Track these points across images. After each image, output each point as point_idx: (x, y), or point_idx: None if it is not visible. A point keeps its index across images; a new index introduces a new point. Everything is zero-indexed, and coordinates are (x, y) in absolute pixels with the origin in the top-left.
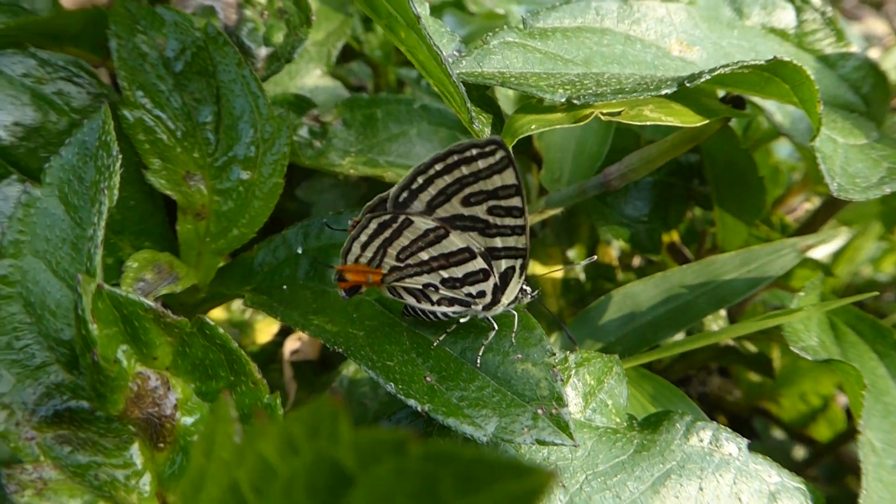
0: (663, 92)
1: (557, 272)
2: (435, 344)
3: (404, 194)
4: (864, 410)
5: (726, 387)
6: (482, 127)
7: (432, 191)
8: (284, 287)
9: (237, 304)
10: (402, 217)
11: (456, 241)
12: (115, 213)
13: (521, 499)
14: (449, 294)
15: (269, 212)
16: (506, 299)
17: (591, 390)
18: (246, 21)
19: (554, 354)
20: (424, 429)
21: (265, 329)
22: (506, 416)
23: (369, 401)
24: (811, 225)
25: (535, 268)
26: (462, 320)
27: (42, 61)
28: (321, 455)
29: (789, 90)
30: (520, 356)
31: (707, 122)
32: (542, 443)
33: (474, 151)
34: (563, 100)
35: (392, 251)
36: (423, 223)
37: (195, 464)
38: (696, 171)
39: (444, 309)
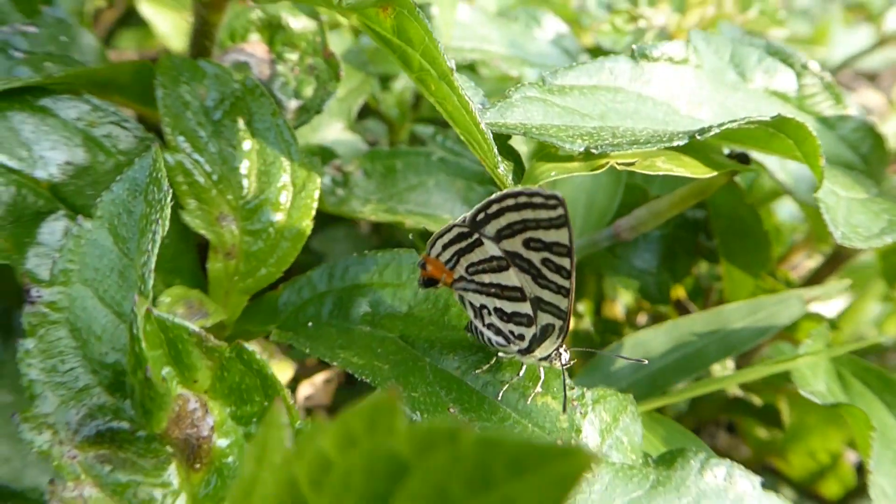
0: (675, 143)
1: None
2: (457, 377)
3: (481, 216)
4: (874, 454)
5: (734, 443)
6: (507, 172)
7: (502, 221)
8: (310, 324)
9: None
10: (476, 235)
11: (513, 276)
12: None
13: (566, 478)
14: (497, 323)
15: (297, 253)
16: (539, 353)
17: (608, 427)
18: (278, 76)
19: (573, 388)
20: None
21: (279, 375)
22: None
23: None
24: (814, 281)
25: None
26: (500, 354)
27: (94, 107)
28: (378, 446)
29: (792, 145)
30: (540, 391)
31: (714, 174)
32: None
33: (538, 200)
34: (581, 149)
35: (464, 262)
36: (491, 248)
37: (246, 471)
38: (702, 226)
39: (489, 334)
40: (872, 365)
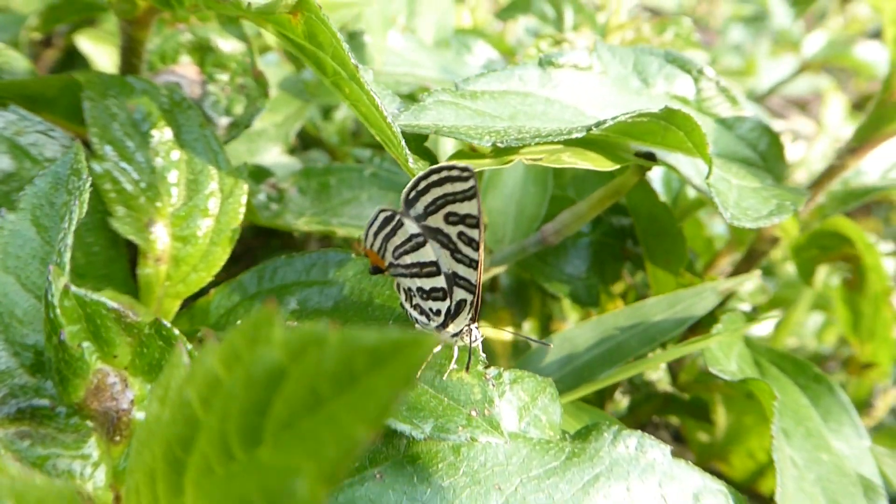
0: (574, 136)
1: (507, 335)
2: None
3: (412, 193)
4: (780, 425)
5: (680, 450)
6: (418, 168)
7: (429, 197)
8: (239, 322)
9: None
10: (397, 217)
11: (430, 251)
12: (79, 258)
13: (415, 362)
14: (419, 303)
15: (227, 256)
16: (453, 328)
17: (526, 405)
18: (209, 95)
19: (488, 366)
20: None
21: None
22: (442, 417)
23: None
24: (733, 276)
25: (485, 330)
26: (424, 330)
27: (21, 117)
28: (258, 357)
29: (684, 137)
30: (455, 367)
31: (618, 167)
32: (475, 439)
33: (455, 172)
34: (488, 145)
35: (390, 247)
36: (410, 228)
37: (149, 412)
38: (628, 233)
39: (415, 314)
40: (787, 352)
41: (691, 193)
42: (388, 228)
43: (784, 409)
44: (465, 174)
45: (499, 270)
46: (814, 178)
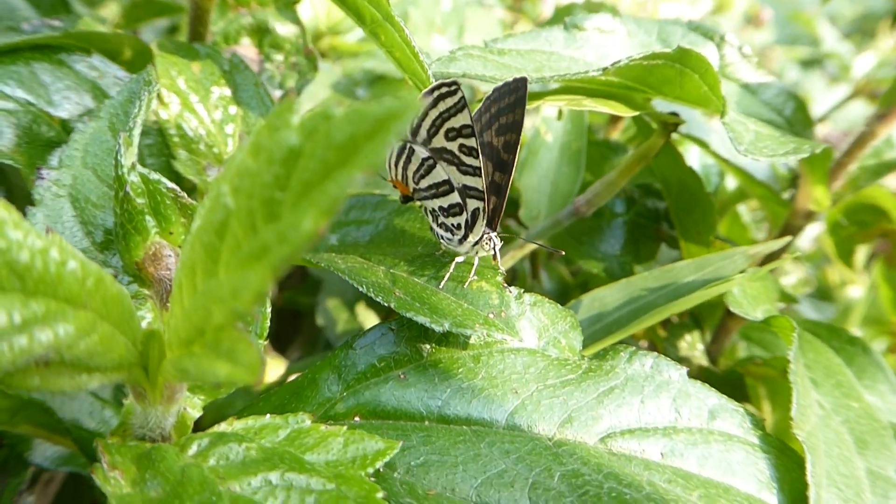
0: (591, 74)
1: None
2: (404, 276)
3: (414, 122)
4: (808, 375)
5: None
6: None
7: (428, 122)
8: None
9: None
10: (408, 145)
11: (441, 171)
12: None
13: (405, 118)
14: (443, 220)
15: None
16: (472, 238)
17: (545, 326)
18: (265, 71)
19: (504, 274)
20: (391, 346)
21: (271, 369)
22: (460, 317)
23: None
24: (769, 257)
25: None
26: (450, 246)
27: (102, 63)
28: (277, 140)
29: (700, 82)
30: (475, 278)
31: (636, 113)
32: (490, 336)
33: (444, 90)
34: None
35: (409, 174)
36: (420, 152)
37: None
38: (663, 215)
39: (441, 232)
40: (822, 321)
41: (730, 186)
42: (404, 157)
43: (814, 365)
44: (453, 88)
45: (538, 243)
46: (843, 148)
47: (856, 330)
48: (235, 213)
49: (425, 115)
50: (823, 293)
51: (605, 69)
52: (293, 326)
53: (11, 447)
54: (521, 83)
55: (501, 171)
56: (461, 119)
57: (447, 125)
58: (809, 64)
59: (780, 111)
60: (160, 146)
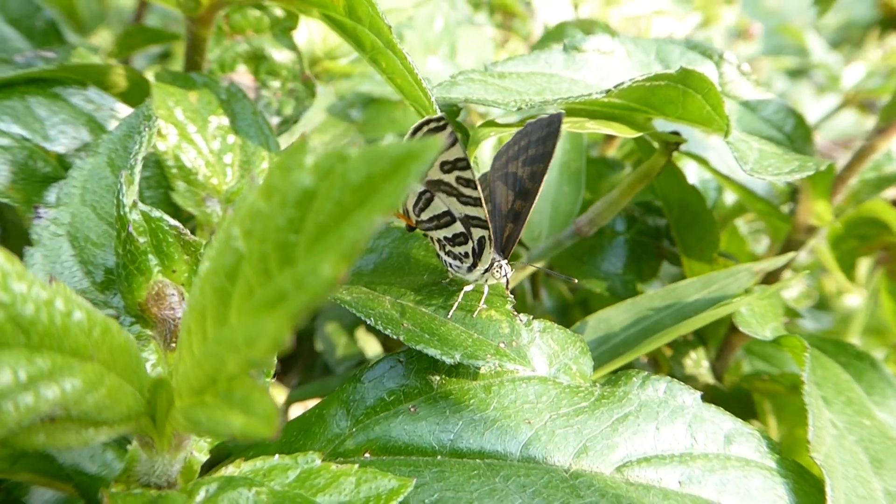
0: (594, 97)
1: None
2: (412, 306)
3: None
4: (819, 394)
5: None
6: None
7: None
8: None
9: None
10: None
11: (440, 203)
12: None
13: (425, 159)
14: (451, 250)
15: None
16: (482, 266)
17: (555, 353)
18: (262, 98)
19: (514, 302)
20: (400, 379)
21: (273, 398)
22: (471, 347)
23: None
24: (771, 274)
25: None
26: (458, 274)
27: (98, 96)
28: (291, 182)
29: (703, 102)
30: (484, 307)
31: (639, 134)
32: (503, 367)
33: (433, 125)
34: (515, 109)
35: (409, 207)
36: (417, 187)
37: (200, 269)
38: (664, 232)
39: (450, 261)
40: (828, 335)
41: (728, 200)
42: None
43: (824, 382)
44: (442, 123)
45: (537, 267)
46: (845, 162)
47: (856, 340)
48: (247, 257)
49: None
50: (820, 303)
51: (608, 91)
52: (291, 350)
53: (9, 491)
54: (556, 119)
55: (523, 200)
56: (454, 152)
57: (441, 158)
58: (796, 74)
59: (781, 127)
60: (158, 178)
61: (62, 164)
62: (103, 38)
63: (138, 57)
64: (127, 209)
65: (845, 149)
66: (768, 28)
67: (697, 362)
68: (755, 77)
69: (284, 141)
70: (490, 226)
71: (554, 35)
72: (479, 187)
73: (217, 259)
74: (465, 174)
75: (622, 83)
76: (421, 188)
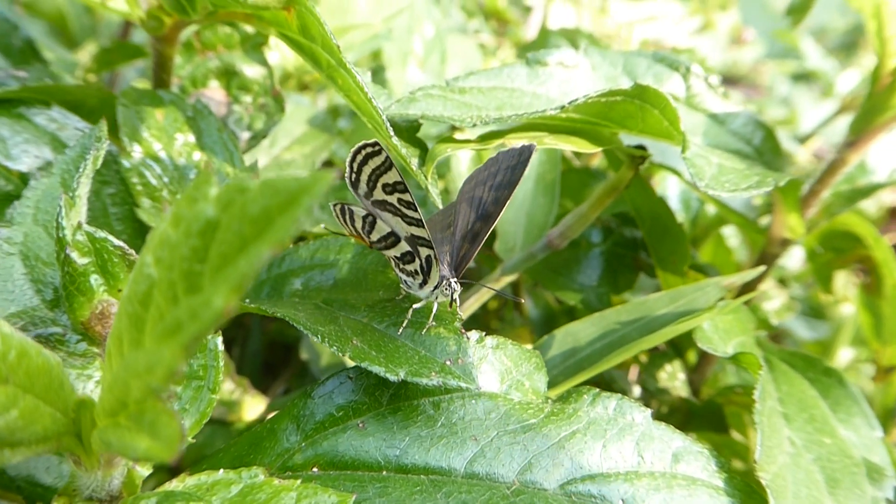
0: (549, 112)
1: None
2: (364, 322)
3: (353, 176)
4: (781, 410)
5: None
6: (410, 156)
7: (364, 177)
8: (247, 300)
9: (228, 386)
10: (341, 205)
11: (383, 226)
12: None
13: (317, 193)
14: (403, 268)
15: None
16: (432, 283)
17: (508, 370)
18: (233, 113)
19: (461, 319)
20: (350, 395)
21: (252, 407)
22: (416, 364)
23: None
24: (747, 285)
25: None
26: (411, 291)
27: (62, 115)
28: (196, 212)
29: (660, 117)
30: (433, 324)
31: (598, 149)
32: (446, 384)
33: (369, 149)
34: (471, 125)
35: (359, 229)
36: (358, 211)
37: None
38: (641, 244)
39: (404, 277)
40: (798, 351)
41: (710, 211)
42: (347, 216)
43: (788, 399)
44: (377, 148)
45: (510, 279)
46: (816, 176)
47: (846, 350)
48: (158, 283)
49: (360, 170)
50: (817, 311)
51: (563, 107)
52: (284, 356)
53: None
54: (527, 150)
55: (483, 222)
56: (392, 176)
57: (381, 181)
58: (800, 77)
59: (749, 140)
60: (123, 195)
61: (25, 183)
62: (90, 52)
63: (128, 70)
64: (67, 232)
65: None
66: (770, 32)
67: (672, 375)
68: (723, 90)
69: (258, 154)
70: (434, 246)
71: (537, 45)
72: (418, 209)
73: (133, 285)
74: (405, 196)
75: (576, 99)
76: (363, 212)
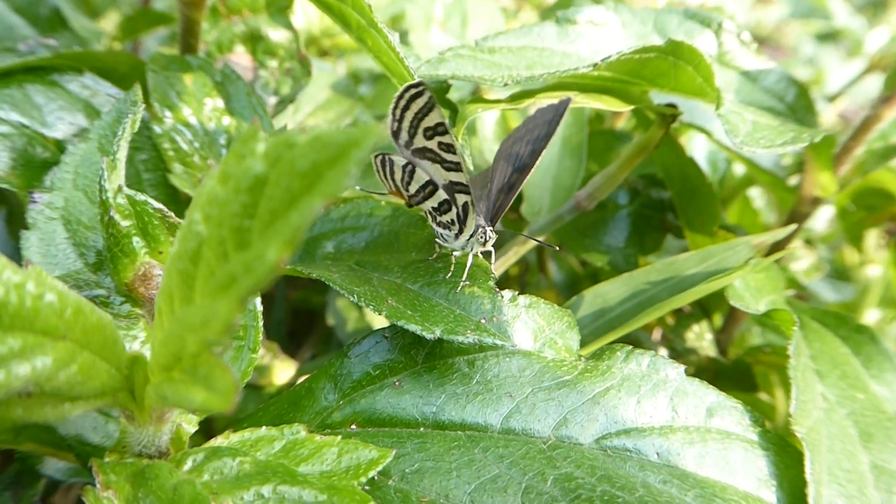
0: (581, 70)
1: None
2: (398, 282)
3: (394, 125)
4: (814, 367)
5: None
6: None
7: (405, 124)
8: None
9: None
10: (382, 156)
11: (422, 174)
12: None
13: (365, 145)
14: (439, 219)
15: None
16: (467, 231)
17: (541, 328)
18: (260, 78)
19: (496, 278)
20: (385, 354)
21: (282, 371)
22: (452, 323)
23: None
24: (777, 244)
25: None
26: (447, 244)
27: (94, 82)
28: (244, 169)
29: (694, 73)
30: (468, 283)
31: (630, 108)
32: (482, 342)
33: (412, 91)
34: (502, 85)
35: (398, 182)
36: (399, 160)
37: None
38: (668, 205)
39: (440, 231)
40: (830, 309)
41: (738, 171)
42: (388, 168)
43: (820, 356)
44: (420, 88)
45: (537, 241)
46: (849, 133)
47: (874, 311)
48: (207, 240)
49: (402, 117)
50: (841, 273)
51: (595, 65)
52: (308, 324)
53: (23, 460)
54: (563, 104)
55: (520, 173)
56: (434, 118)
57: (423, 125)
58: (825, 37)
59: (782, 98)
60: (155, 161)
61: (60, 149)
62: (112, 20)
63: (149, 38)
64: (109, 194)
65: None
66: None
67: (700, 335)
68: (756, 46)
69: (284, 120)
70: (471, 191)
71: (562, 4)
72: (458, 151)
73: (181, 243)
74: (445, 139)
75: (609, 56)
76: (402, 161)
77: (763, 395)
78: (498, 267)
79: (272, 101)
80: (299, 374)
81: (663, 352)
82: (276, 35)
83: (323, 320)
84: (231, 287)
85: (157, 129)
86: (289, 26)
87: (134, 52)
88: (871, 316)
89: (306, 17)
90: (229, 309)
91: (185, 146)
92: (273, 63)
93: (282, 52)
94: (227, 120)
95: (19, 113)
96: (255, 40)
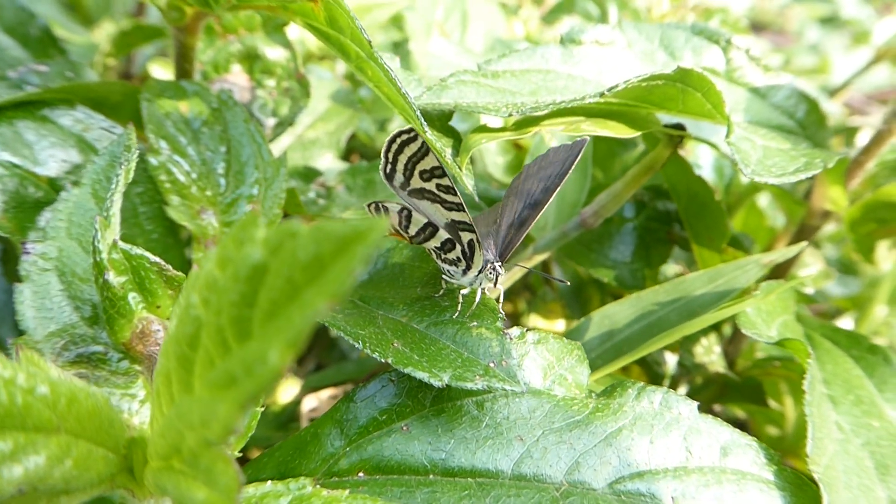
0: (588, 100)
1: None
2: (403, 322)
3: (387, 168)
4: (827, 392)
5: None
6: (443, 147)
7: (400, 166)
8: None
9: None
10: (375, 205)
11: (420, 217)
12: (141, 244)
13: (373, 241)
14: (444, 257)
15: None
16: (475, 267)
17: (550, 364)
18: (257, 98)
19: (505, 320)
20: (392, 398)
21: (286, 390)
22: (460, 368)
23: None
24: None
25: (537, 321)
26: (454, 280)
27: (87, 115)
28: (243, 255)
29: (703, 100)
30: (475, 324)
31: (637, 133)
32: (491, 388)
33: (404, 137)
34: (506, 115)
35: (395, 224)
36: (394, 207)
37: (168, 328)
38: (674, 217)
39: (446, 267)
40: (841, 327)
41: (745, 179)
42: (383, 214)
43: (833, 379)
44: (413, 134)
45: (542, 257)
46: (861, 147)
47: (882, 308)
48: (206, 326)
49: (396, 160)
50: (848, 267)
51: (602, 94)
52: (311, 335)
53: None
54: (580, 145)
55: (531, 209)
56: (430, 161)
57: (419, 168)
58: (829, 22)
59: (792, 114)
60: (152, 193)
61: (54, 188)
62: (106, 31)
63: (139, 54)
64: (103, 255)
65: (880, 103)
66: None
67: (708, 349)
68: (765, 62)
69: (283, 142)
70: (475, 229)
71: (564, 6)
72: (458, 192)
73: (179, 326)
74: (444, 181)
75: (616, 86)
76: (397, 207)
77: (772, 403)
78: (504, 281)
79: (270, 122)
80: (304, 389)
81: (671, 361)
82: (274, 53)
83: (324, 331)
84: (231, 387)
85: (152, 160)
86: (286, 44)
87: (128, 62)
88: (880, 312)
89: (303, 34)
90: (230, 413)
91: (181, 177)
92: (271, 82)
93: (280, 70)
94: (223, 148)
95: (10, 152)
96: (252, 59)
